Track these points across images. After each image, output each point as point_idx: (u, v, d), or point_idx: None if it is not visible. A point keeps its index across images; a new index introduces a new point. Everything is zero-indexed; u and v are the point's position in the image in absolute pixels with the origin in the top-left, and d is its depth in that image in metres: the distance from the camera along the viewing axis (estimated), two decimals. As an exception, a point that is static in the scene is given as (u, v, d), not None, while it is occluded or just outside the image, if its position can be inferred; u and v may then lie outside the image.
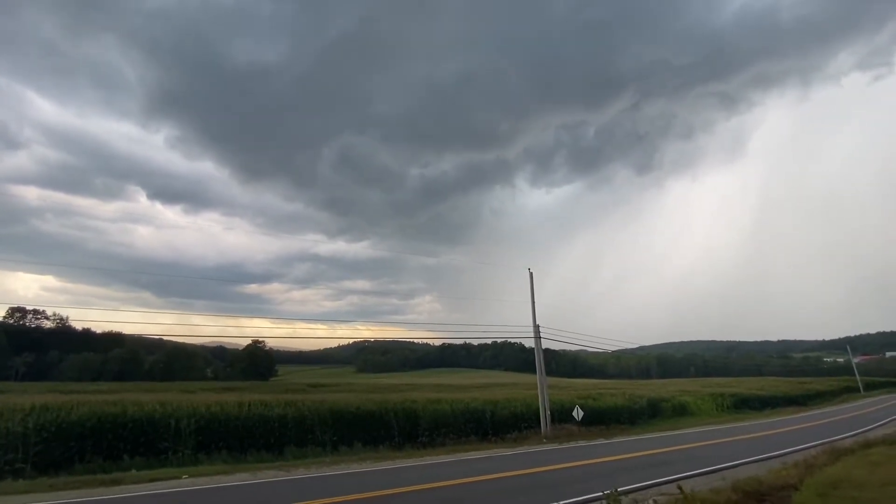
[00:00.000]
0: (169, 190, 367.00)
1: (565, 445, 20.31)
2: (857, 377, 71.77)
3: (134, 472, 12.98)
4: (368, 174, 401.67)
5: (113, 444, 14.21)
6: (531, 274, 26.23)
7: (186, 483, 11.94)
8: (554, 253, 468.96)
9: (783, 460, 15.43)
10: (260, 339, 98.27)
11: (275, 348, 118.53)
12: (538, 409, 23.74)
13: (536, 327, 25.20)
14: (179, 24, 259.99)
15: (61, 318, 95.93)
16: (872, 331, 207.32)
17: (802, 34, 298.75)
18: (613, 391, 37.27)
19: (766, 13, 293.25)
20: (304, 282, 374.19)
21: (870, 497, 8.79)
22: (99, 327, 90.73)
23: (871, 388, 73.74)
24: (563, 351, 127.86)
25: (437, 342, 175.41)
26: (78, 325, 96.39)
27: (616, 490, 7.81)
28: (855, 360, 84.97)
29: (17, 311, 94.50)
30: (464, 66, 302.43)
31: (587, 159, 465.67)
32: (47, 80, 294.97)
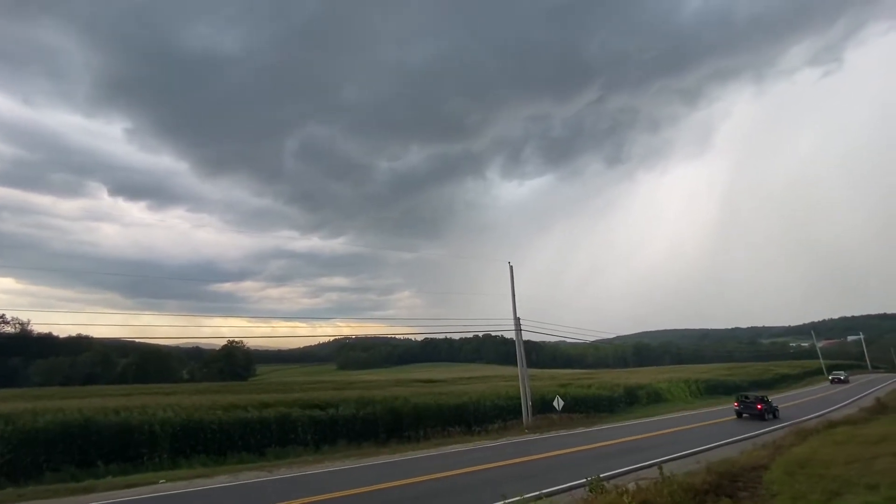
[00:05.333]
0: (131, 185, 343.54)
1: (547, 435, 20.66)
2: (821, 361, 75.19)
3: (109, 478, 12.57)
4: (337, 167, 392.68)
5: (84, 451, 13.71)
6: (511, 267, 26.46)
7: (165, 487, 11.65)
8: (530, 245, 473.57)
9: (754, 442, 16.12)
10: (237, 340, 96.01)
11: (253, 348, 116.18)
12: (520, 400, 24.04)
13: (517, 319, 25.44)
14: (126, 6, 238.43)
15: (21, 323, 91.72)
16: (835, 316, 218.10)
17: (756, 31, 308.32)
18: (592, 381, 38.07)
19: (724, 9, 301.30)
20: (280, 279, 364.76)
21: (835, 474, 9.24)
22: (64, 331, 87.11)
23: (834, 370, 77.26)
24: (543, 342, 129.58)
25: (419, 337, 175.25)
26: (40, 329, 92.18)
27: (598, 476, 7.99)
28: (819, 345, 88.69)
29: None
30: (433, 53, 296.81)
31: (558, 151, 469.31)
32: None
